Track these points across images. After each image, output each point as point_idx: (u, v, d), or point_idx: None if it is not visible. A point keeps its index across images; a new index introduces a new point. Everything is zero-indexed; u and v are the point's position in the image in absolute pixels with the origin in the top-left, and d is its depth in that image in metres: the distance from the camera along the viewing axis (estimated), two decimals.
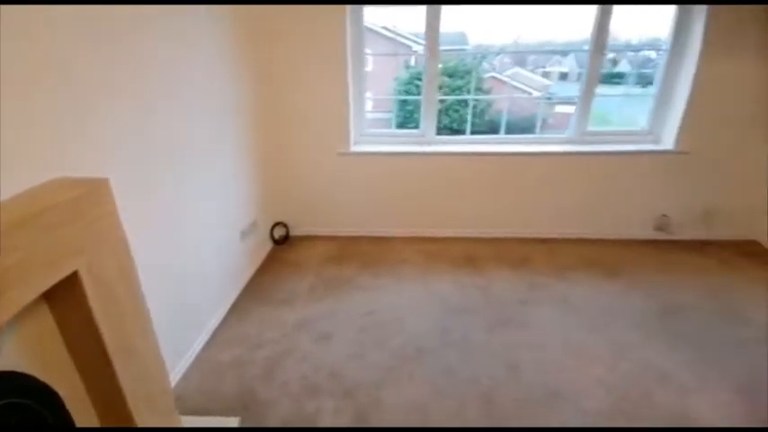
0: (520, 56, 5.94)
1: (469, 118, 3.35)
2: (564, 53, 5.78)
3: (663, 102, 2.77)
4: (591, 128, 2.90)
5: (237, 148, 2.38)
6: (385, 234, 3.12)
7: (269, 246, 2.96)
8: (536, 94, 4.88)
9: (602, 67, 2.72)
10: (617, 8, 2.57)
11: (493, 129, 3.19)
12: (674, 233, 2.99)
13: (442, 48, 2.70)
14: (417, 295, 2.42)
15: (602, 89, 2.83)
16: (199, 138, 1.95)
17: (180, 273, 1.85)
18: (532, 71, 6.22)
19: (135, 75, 1.48)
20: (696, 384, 1.76)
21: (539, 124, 3.03)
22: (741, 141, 2.71)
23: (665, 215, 2.95)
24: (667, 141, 2.77)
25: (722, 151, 2.74)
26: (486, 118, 5.24)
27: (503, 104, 4.70)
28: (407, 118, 4.02)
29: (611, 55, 4.10)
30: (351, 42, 2.64)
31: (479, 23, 3.53)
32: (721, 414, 1.63)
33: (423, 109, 2.90)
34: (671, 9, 2.60)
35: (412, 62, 5.00)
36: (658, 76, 2.77)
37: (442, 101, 4.33)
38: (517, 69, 6.07)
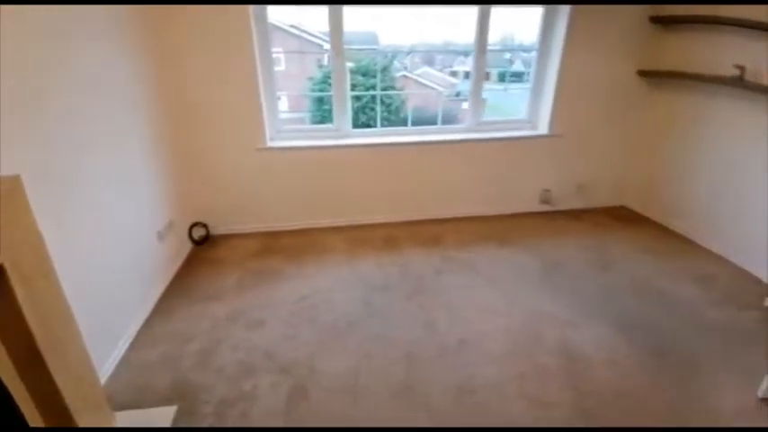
0: (429, 56, 6.39)
1: (378, 111, 3.61)
2: (466, 54, 6.36)
3: (536, 93, 3.28)
4: (484, 118, 3.32)
5: (147, 149, 2.34)
6: (308, 226, 3.24)
7: (189, 246, 2.91)
8: (441, 90, 5.32)
9: (486, 65, 3.12)
10: (504, 12, 2.94)
11: (406, 124, 3.48)
12: (556, 204, 3.55)
13: (352, 47, 2.87)
14: (343, 278, 2.59)
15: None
16: (102, 139, 1.91)
17: (94, 275, 1.80)
18: (440, 70, 6.72)
19: (22, 73, 1.44)
20: (578, 323, 2.17)
21: (440, 117, 3.36)
22: (603, 124, 3.32)
23: (547, 190, 3.49)
24: (542, 127, 3.29)
25: (588, 133, 3.33)
26: (401, 115, 5.58)
27: (413, 100, 5.07)
28: (326, 117, 4.13)
29: (507, 55, 4.66)
30: (257, 40, 2.69)
31: (388, 24, 3.71)
32: (598, 342, 2.02)
33: (334, 105, 3.06)
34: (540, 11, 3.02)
35: (324, 61, 5.12)
36: (532, 71, 3.26)
37: (358, 98, 4.56)
38: (426, 68, 6.52)
